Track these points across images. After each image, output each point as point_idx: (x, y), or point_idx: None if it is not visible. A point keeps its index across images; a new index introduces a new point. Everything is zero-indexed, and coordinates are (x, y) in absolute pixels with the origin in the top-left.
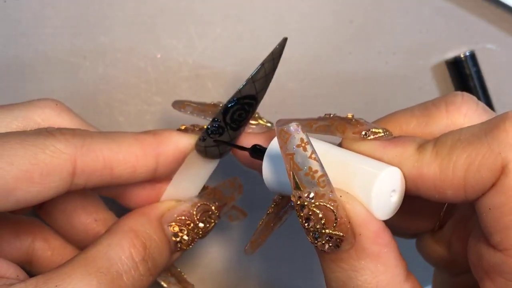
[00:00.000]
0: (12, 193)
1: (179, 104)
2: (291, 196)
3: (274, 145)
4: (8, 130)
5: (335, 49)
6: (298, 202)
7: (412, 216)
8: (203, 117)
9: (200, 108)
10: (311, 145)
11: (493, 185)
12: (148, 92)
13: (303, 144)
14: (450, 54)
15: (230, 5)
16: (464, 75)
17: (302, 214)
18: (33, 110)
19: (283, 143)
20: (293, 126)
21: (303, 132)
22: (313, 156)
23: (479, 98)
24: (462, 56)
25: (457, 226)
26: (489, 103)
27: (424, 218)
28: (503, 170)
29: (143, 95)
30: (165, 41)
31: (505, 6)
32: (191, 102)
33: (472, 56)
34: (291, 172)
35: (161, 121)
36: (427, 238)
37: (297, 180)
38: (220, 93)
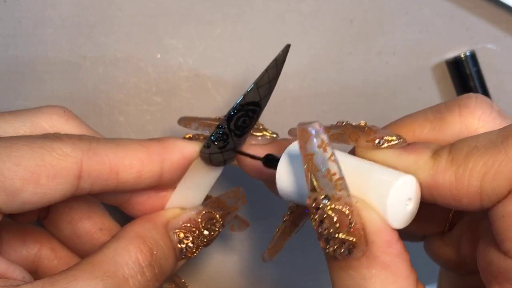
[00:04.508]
0: (18, 194)
1: (184, 121)
2: (307, 198)
3: (290, 152)
4: (16, 135)
5: (335, 49)
6: (313, 204)
7: (422, 220)
8: (208, 131)
9: (205, 123)
10: (331, 147)
11: (509, 193)
12: (148, 92)
13: (323, 146)
14: (450, 54)
15: (230, 5)
16: (464, 75)
17: (316, 217)
18: (41, 117)
19: (303, 143)
20: (315, 127)
21: (325, 133)
22: (333, 158)
23: None
24: (462, 56)
25: (467, 229)
26: None
27: (433, 221)
28: None
29: (143, 95)
30: (165, 41)
31: (505, 6)
32: (196, 118)
33: (472, 56)
34: (309, 173)
35: (161, 121)
36: (436, 240)
37: (314, 182)
38: (220, 93)
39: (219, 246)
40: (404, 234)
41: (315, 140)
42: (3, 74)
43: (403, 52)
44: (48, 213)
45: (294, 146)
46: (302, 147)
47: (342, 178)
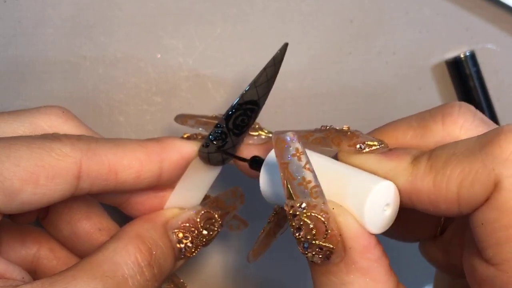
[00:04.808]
0: (17, 195)
1: (181, 119)
2: (284, 205)
3: (271, 157)
4: (15, 136)
5: (335, 49)
6: (290, 212)
7: (414, 223)
8: (204, 129)
9: (202, 121)
10: (306, 155)
11: (486, 200)
12: (148, 92)
13: (298, 154)
14: (450, 54)
15: (230, 5)
16: (464, 75)
17: (293, 224)
18: (40, 117)
19: (279, 152)
20: (289, 135)
21: (299, 142)
22: (307, 166)
23: (479, 98)
24: (462, 56)
25: (456, 233)
26: (489, 103)
27: (425, 225)
28: (496, 186)
29: (143, 95)
30: (165, 41)
31: (505, 6)
32: (193, 115)
33: (472, 56)
34: (285, 181)
35: (161, 121)
36: (429, 243)
37: (290, 190)
38: (220, 93)
39: (218, 245)
40: (398, 236)
41: (290, 148)
42: (3, 74)
43: (403, 52)
44: (47, 214)
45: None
46: (278, 155)
47: (317, 185)
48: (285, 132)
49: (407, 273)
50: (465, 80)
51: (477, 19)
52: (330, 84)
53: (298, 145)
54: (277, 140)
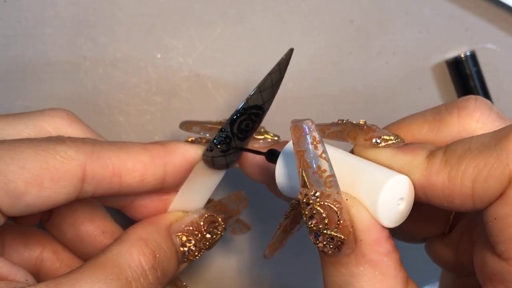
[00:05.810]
0: (22, 197)
1: (186, 125)
2: (298, 193)
3: (288, 149)
4: (19, 138)
5: (335, 49)
6: (304, 200)
7: (423, 221)
8: (209, 135)
9: (207, 127)
10: (323, 144)
11: (500, 195)
12: (148, 92)
13: (314, 143)
14: (450, 54)
15: (230, 5)
16: (464, 75)
17: (306, 212)
18: (44, 119)
19: (296, 140)
20: (307, 124)
21: (316, 131)
22: (323, 155)
23: None
24: (462, 56)
25: (465, 231)
26: None
27: (434, 223)
28: (510, 181)
29: (143, 95)
30: (165, 41)
31: (505, 6)
32: (197, 122)
33: (472, 56)
34: (300, 169)
35: (161, 121)
36: (436, 242)
37: (305, 178)
38: (220, 93)
39: (221, 248)
40: (406, 235)
41: (307, 137)
42: (3, 74)
43: (403, 52)
44: (51, 216)
45: (290, 146)
46: (295, 143)
47: (332, 175)
48: (303, 120)
49: (410, 273)
50: (465, 80)
51: (477, 19)
52: (330, 84)
53: (315, 134)
54: (294, 128)
